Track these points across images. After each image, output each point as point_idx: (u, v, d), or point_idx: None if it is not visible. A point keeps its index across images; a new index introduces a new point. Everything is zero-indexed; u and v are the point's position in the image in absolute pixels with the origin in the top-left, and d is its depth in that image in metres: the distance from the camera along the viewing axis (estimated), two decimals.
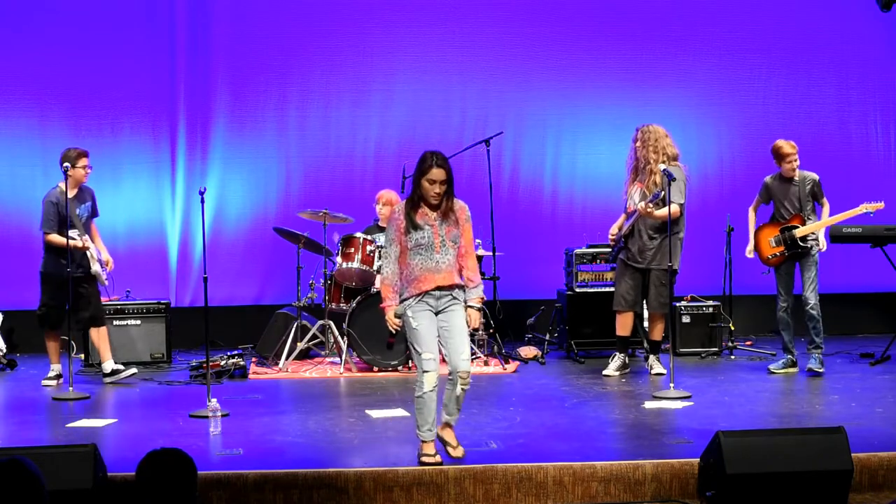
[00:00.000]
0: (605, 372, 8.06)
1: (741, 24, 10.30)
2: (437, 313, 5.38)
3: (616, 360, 8.08)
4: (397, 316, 5.39)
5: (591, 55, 10.16)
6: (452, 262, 5.37)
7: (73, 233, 7.73)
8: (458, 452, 5.40)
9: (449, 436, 5.44)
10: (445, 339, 5.37)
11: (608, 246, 8.35)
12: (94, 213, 8.08)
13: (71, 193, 7.81)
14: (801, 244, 7.84)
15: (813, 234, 7.88)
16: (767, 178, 8.12)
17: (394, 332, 5.51)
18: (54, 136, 9.61)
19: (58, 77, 9.73)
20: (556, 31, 10.13)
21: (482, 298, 5.50)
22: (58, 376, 7.90)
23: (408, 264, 5.36)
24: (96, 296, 8.03)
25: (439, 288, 5.34)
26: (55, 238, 7.75)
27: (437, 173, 5.29)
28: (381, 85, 10.03)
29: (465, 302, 5.43)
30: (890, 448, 5.49)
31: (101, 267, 7.97)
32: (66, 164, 7.69)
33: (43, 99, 9.73)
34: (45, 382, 7.92)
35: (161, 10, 9.88)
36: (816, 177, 7.97)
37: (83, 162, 7.84)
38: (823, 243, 7.97)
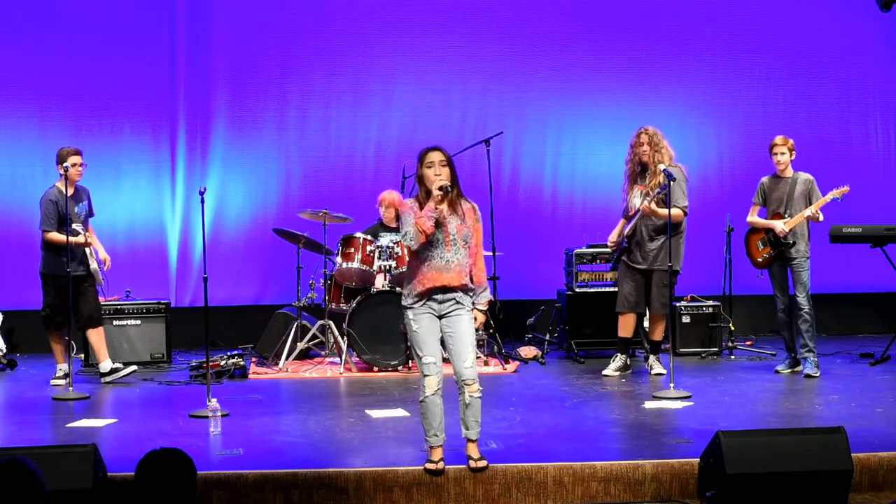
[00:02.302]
0: (605, 372, 8.05)
1: (741, 24, 10.30)
2: (440, 317, 5.29)
3: (617, 361, 8.08)
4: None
5: (591, 55, 10.16)
6: (463, 261, 5.26)
7: (76, 226, 7.74)
8: (478, 465, 5.24)
9: (470, 450, 5.29)
10: (449, 345, 5.29)
11: (608, 247, 8.35)
12: (90, 212, 8.07)
13: (68, 192, 7.82)
14: (782, 241, 7.77)
15: (795, 231, 7.73)
16: (764, 178, 8.03)
17: (443, 188, 5.15)
18: (54, 136, 9.60)
19: (58, 77, 9.73)
20: (556, 31, 10.14)
21: (490, 301, 5.43)
22: (66, 375, 7.88)
23: (416, 258, 5.28)
24: (94, 295, 8.03)
25: (445, 289, 5.23)
26: (55, 236, 7.74)
27: (434, 155, 5.24)
28: (381, 85, 10.03)
29: (473, 305, 5.33)
30: (890, 448, 5.48)
31: (100, 266, 7.98)
32: (63, 164, 7.70)
33: (43, 99, 9.73)
34: (53, 382, 7.91)
35: (161, 10, 9.87)
36: (811, 178, 7.82)
37: (74, 160, 7.79)
38: (819, 214, 7.66)
